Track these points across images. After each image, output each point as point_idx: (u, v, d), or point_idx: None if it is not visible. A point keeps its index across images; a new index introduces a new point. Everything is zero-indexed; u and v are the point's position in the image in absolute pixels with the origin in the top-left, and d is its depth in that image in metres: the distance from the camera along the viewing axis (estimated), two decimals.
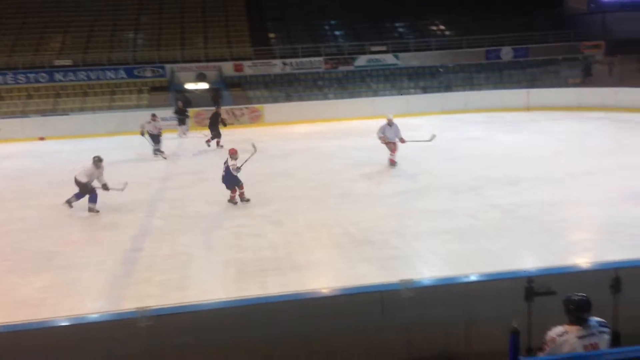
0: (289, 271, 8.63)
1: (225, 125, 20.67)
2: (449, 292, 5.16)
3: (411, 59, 30.40)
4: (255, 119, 26.31)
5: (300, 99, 28.05)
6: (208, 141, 20.41)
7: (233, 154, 12.29)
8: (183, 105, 23.97)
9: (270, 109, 26.73)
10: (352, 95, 28.66)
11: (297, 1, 33.77)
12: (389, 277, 7.39)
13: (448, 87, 29.15)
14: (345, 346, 5.01)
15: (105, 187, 12.45)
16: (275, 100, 27.76)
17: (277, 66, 29.55)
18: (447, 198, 12.12)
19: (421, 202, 11.96)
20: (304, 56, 29.89)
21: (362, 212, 11.47)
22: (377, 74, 30.14)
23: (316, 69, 29.92)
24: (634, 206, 10.74)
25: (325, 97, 28.54)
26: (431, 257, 9.09)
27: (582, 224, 10.54)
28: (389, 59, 30.27)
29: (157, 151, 18.96)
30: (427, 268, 8.62)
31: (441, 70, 30.31)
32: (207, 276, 8.61)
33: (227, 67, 29.22)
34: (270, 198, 12.80)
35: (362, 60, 30.13)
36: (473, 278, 5.33)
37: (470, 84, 29.51)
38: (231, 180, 12.27)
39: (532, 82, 28.85)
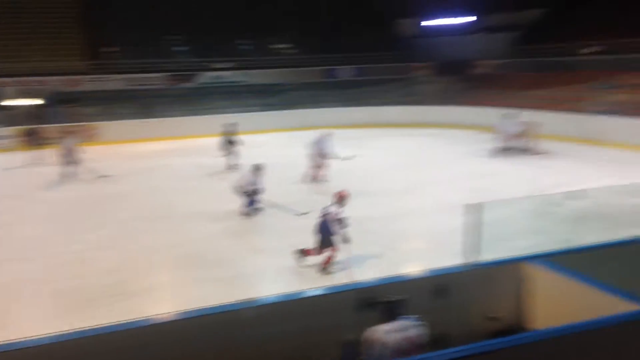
0: (132, 296, 8.22)
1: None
2: (288, 308, 5.22)
3: (256, 77, 30.67)
4: (90, 137, 24.81)
5: (142, 116, 27.05)
6: None
7: (343, 198, 8.94)
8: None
9: (108, 127, 25.44)
10: (197, 112, 28.23)
11: (138, 15, 32.59)
12: (233, 296, 7.31)
13: (292, 105, 29.78)
14: None
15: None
16: (115, 117, 26.46)
17: (116, 82, 28.25)
18: (287, 217, 12.28)
19: (267, 219, 12.03)
20: (145, 72, 28.90)
21: (207, 231, 11.28)
22: (223, 92, 29.99)
23: (159, 85, 29.07)
24: (458, 216, 11.63)
25: (169, 115, 27.79)
26: (272, 274, 9.14)
27: (415, 233, 11.23)
28: (234, 76, 30.28)
29: None
30: (266, 286, 8.65)
31: (286, 88, 30.92)
32: (35, 309, 7.93)
33: (59, 82, 27.32)
34: (105, 221, 12.15)
35: (206, 77, 29.83)
36: (312, 293, 5.44)
37: (313, 102, 30.42)
38: (328, 233, 8.80)
39: (370, 100, 30.42)
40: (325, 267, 8.72)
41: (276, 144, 22.65)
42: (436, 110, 27.88)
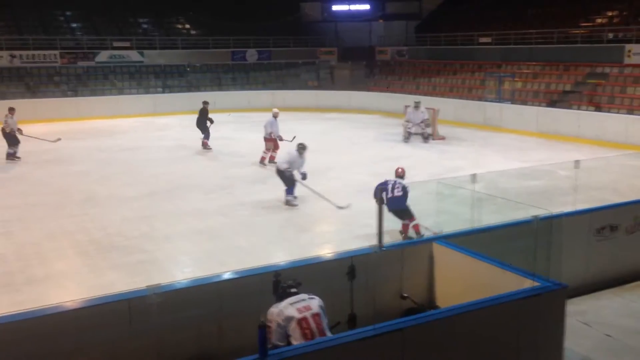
0: (24, 286, 7.73)
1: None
2: (201, 293, 5.10)
3: (157, 57, 29.61)
4: None
5: (34, 96, 25.45)
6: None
7: (404, 173, 9.65)
8: None
9: None
10: (94, 92, 26.92)
11: None
12: (139, 283, 7.03)
13: (196, 87, 29.09)
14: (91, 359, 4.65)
15: (304, 176, 11.41)
16: (3, 97, 24.69)
17: (3, 58, 26.32)
18: (198, 198, 12.07)
19: (171, 204, 11.71)
20: (36, 49, 27.11)
21: (108, 216, 10.83)
22: (122, 71, 28.75)
23: (52, 64, 27.38)
24: (367, 199, 11.88)
25: (64, 95, 26.31)
26: (184, 259, 8.97)
27: (324, 216, 11.34)
28: (133, 55, 29.06)
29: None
30: (180, 270, 8.46)
31: (188, 69, 30.12)
32: None
33: None
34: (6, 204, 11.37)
35: (103, 56, 28.40)
36: (225, 276, 5.34)
37: (218, 84, 29.87)
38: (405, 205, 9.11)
39: (276, 84, 30.30)
40: (418, 234, 8.90)
41: (180, 127, 22.04)
42: (341, 95, 28.24)
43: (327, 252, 8.56)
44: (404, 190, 9.00)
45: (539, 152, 16.60)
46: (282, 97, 27.93)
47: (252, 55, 31.51)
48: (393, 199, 8.89)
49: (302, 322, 4.52)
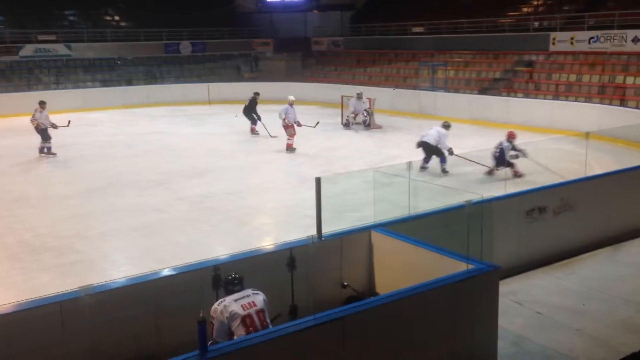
0: None
1: None
2: (137, 291, 4.99)
3: (86, 50, 28.60)
4: None
5: None
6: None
7: (514, 136, 12.13)
8: None
9: None
10: (18, 88, 25.77)
11: None
12: (73, 284, 6.81)
13: (129, 81, 28.30)
14: None
15: (450, 152, 12.64)
16: None
17: None
18: (133, 195, 11.78)
19: (106, 201, 11.39)
20: None
21: (39, 217, 10.43)
22: (48, 66, 27.62)
23: None
24: (306, 190, 11.92)
25: None
26: (120, 258, 8.75)
27: (264, 208, 11.31)
28: (60, 49, 27.92)
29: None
30: (116, 269, 8.23)
31: (119, 62, 29.25)
32: None
33: None
34: None
35: (28, 50, 27.16)
36: (162, 274, 5.24)
37: (152, 78, 29.17)
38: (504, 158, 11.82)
39: (212, 77, 29.85)
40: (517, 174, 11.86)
41: (113, 121, 21.43)
42: (278, 86, 28.09)
43: (266, 244, 8.53)
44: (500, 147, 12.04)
45: (472, 139, 17.04)
46: (217, 90, 27.55)
47: (185, 47, 30.90)
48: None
49: (246, 319, 4.51)
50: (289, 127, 15.78)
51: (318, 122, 15.63)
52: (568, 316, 6.33)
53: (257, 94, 19.41)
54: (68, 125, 15.67)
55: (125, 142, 17.08)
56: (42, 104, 15.90)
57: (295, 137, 15.74)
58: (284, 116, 15.89)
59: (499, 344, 5.28)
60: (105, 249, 9.00)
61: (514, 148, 11.84)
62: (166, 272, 5.25)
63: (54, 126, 15.61)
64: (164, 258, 8.09)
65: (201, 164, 14.29)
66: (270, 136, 17.20)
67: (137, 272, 5.45)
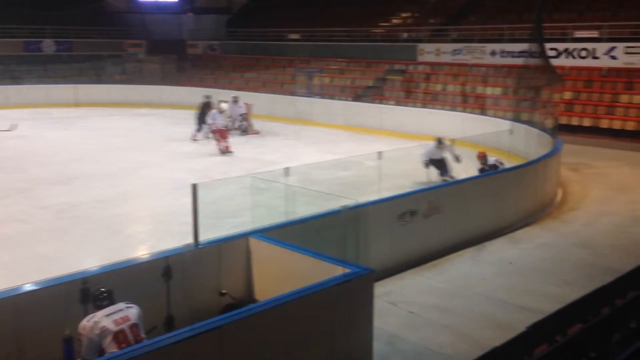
0: None
1: None
2: None
3: None
4: None
5: None
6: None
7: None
8: None
9: None
10: None
11: None
12: None
13: None
14: None
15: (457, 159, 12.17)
16: None
17: None
18: None
19: None
20: None
21: None
22: None
23: None
24: (182, 196, 11.59)
25: None
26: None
27: (137, 216, 10.88)
28: None
29: None
30: None
31: None
32: None
33: None
34: None
35: None
36: (24, 289, 4.86)
37: (11, 77, 27.08)
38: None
39: (79, 78, 28.29)
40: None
41: None
42: (151, 90, 27.20)
43: (141, 253, 8.21)
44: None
45: (348, 144, 17.54)
46: (86, 92, 26.17)
47: (49, 46, 29.05)
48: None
49: (119, 335, 4.32)
50: (217, 132, 15.91)
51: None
52: (437, 314, 6.67)
53: (208, 97, 19.17)
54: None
55: None
56: None
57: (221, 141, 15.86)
58: (211, 121, 16.06)
59: (374, 344, 5.44)
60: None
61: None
62: (28, 287, 4.88)
63: None
64: (26, 272, 7.50)
65: (67, 171, 13.47)
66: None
67: None
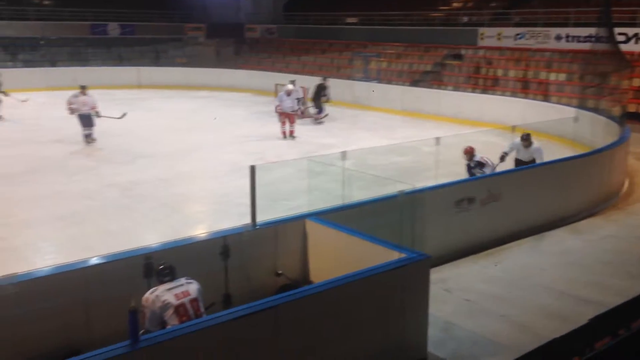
0: None
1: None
2: (64, 280, 4.81)
3: (5, 29, 27.11)
4: None
5: None
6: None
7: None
8: None
9: None
10: None
11: None
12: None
13: (53, 62, 27.09)
14: None
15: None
16: None
17: None
18: (59, 181, 11.33)
19: (28, 187, 10.89)
20: None
21: None
22: None
23: None
24: (238, 178, 11.80)
25: None
26: (45, 246, 8.40)
27: (196, 196, 11.12)
28: None
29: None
30: (41, 258, 7.90)
31: (42, 42, 27.91)
32: None
33: None
34: None
35: None
36: (91, 262, 5.07)
37: (78, 59, 28.03)
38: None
39: (142, 60, 29.01)
40: None
41: (35, 104, 20.46)
42: (210, 73, 27.64)
43: (200, 232, 8.41)
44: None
45: (404, 130, 17.38)
46: (148, 74, 26.82)
47: (114, 29, 29.87)
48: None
49: (179, 308, 4.45)
50: (284, 115, 15.75)
51: (125, 114, 15.14)
52: (494, 303, 6.58)
53: (325, 78, 19.32)
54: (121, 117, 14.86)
55: (49, 125, 16.37)
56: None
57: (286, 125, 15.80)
58: (277, 103, 15.86)
59: (429, 331, 5.43)
60: (29, 237, 8.61)
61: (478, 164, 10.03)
62: (95, 260, 5.09)
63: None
64: (93, 246, 7.82)
65: (131, 150, 13.90)
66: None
67: (65, 261, 5.26)
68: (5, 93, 17.98)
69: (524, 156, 10.30)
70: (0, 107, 17.54)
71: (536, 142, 10.43)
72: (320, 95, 18.86)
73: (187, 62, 29.92)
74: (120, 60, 28.61)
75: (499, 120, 16.78)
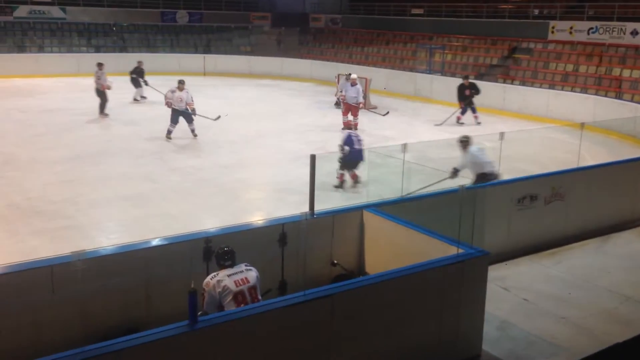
0: None
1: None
2: (127, 259, 4.99)
3: (81, 14, 28.17)
4: None
5: None
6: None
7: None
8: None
9: None
10: (11, 49, 25.42)
11: None
12: (63, 249, 6.81)
13: (123, 47, 27.97)
14: (12, 325, 4.48)
15: None
16: None
17: None
18: (126, 164, 11.72)
19: (97, 168, 11.32)
20: None
21: (30, 181, 10.37)
22: (42, 28, 27.22)
23: None
24: (297, 166, 11.90)
25: None
26: (110, 225, 8.73)
27: (255, 183, 11.28)
28: (54, 11, 27.51)
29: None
30: (106, 236, 8.23)
31: (115, 28, 28.85)
32: None
33: None
34: None
35: (22, 11, 26.75)
36: (153, 243, 5.23)
37: (147, 46, 28.82)
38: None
39: (208, 48, 29.55)
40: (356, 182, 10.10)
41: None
42: (274, 61, 27.90)
43: (258, 219, 8.54)
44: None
45: (466, 125, 17.04)
46: (213, 62, 27.32)
47: (182, 16, 30.52)
48: (355, 151, 9.74)
49: (238, 296, 4.52)
50: (347, 105, 15.48)
51: (388, 112, 15.17)
52: (553, 304, 6.39)
53: (466, 77, 17.71)
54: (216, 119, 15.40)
55: (117, 110, 16.92)
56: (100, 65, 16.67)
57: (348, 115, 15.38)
58: (341, 91, 15.60)
59: (485, 328, 5.33)
60: (96, 216, 8.96)
61: None
62: (157, 241, 5.25)
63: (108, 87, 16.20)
64: (154, 228, 8.07)
65: (200, 136, 14.20)
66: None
67: (128, 241, 5.44)
68: (146, 82, 19.00)
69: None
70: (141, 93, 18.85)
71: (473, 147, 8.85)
72: (464, 95, 17.06)
73: (251, 51, 30.27)
74: (187, 48, 29.21)
75: (567, 117, 16.22)
